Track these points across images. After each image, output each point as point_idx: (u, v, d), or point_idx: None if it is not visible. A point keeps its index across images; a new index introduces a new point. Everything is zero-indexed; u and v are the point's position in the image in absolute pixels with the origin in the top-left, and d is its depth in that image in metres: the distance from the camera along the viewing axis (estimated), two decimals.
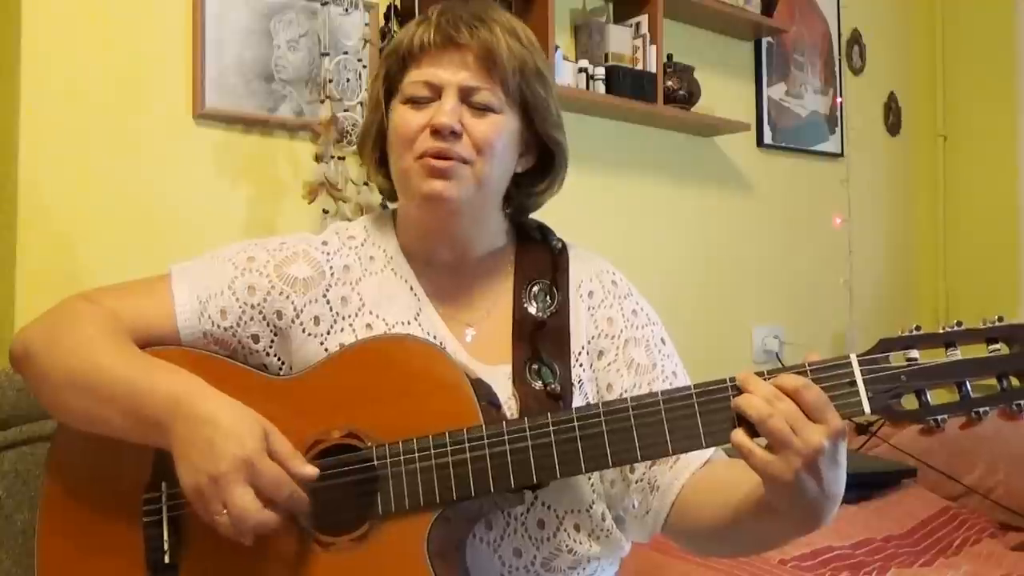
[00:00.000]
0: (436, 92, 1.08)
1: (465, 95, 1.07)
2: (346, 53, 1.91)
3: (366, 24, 1.95)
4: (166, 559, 1.02)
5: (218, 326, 1.10)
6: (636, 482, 1.08)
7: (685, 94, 2.48)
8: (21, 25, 1.61)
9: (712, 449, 1.06)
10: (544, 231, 1.21)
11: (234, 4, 1.82)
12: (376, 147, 1.15)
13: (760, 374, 0.90)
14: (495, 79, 1.08)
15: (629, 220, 2.55)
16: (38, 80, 1.62)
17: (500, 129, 1.09)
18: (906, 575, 1.96)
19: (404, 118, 1.09)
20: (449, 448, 0.97)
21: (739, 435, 0.88)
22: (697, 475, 1.06)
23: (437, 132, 1.06)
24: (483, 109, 1.08)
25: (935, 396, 0.90)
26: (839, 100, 3.12)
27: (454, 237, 1.14)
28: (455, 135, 1.06)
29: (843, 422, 0.88)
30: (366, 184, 1.89)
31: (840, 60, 3.13)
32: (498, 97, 1.08)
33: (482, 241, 1.16)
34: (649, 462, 1.06)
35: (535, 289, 1.14)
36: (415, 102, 1.08)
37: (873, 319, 3.20)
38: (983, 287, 3.36)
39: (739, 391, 0.91)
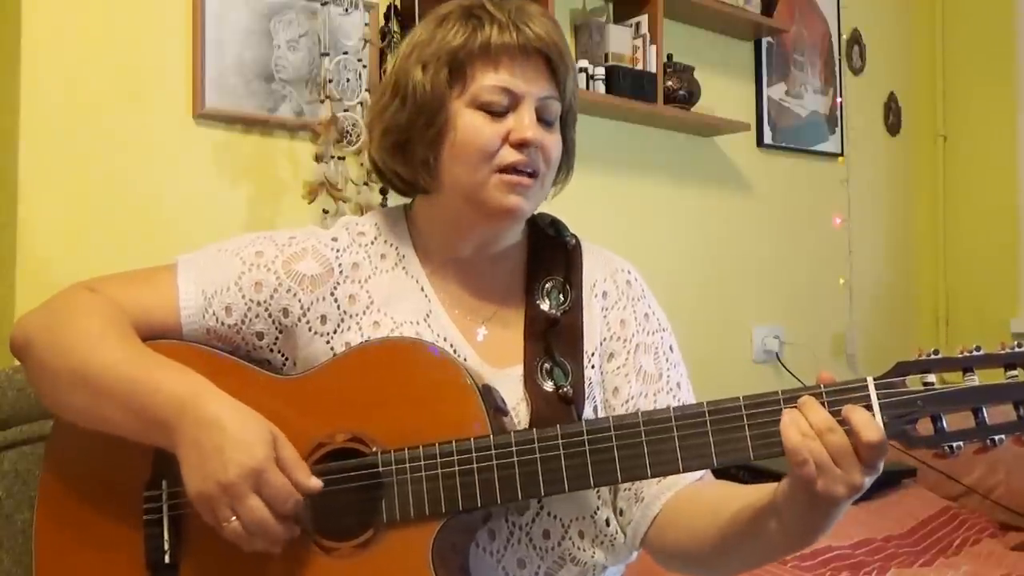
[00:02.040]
0: (514, 101, 1.05)
1: (539, 106, 1.06)
2: (346, 53, 1.91)
3: (366, 24, 1.95)
4: (166, 559, 1.01)
5: (222, 323, 1.08)
6: (624, 490, 1.07)
7: (685, 94, 2.48)
8: (21, 25, 1.61)
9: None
10: (557, 226, 1.19)
11: (234, 4, 1.82)
12: (430, 148, 1.06)
13: (818, 395, 0.88)
14: (560, 89, 1.08)
15: (629, 220, 2.55)
16: (38, 80, 1.62)
17: (560, 142, 1.10)
18: (906, 575, 1.96)
19: (477, 125, 1.04)
20: (456, 458, 0.95)
21: (786, 420, 0.87)
22: (683, 493, 1.04)
23: (524, 146, 1.04)
24: (549, 123, 1.07)
25: (950, 421, 0.88)
26: (839, 100, 3.12)
27: (487, 237, 1.11)
28: (535, 149, 1.05)
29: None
30: (366, 184, 1.89)
31: (840, 60, 3.13)
32: (558, 108, 1.09)
33: (506, 239, 1.14)
34: None
35: (548, 286, 1.12)
36: (491, 111, 1.04)
37: (873, 319, 3.20)
38: (983, 287, 3.36)
39: (752, 411, 0.90)
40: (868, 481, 0.86)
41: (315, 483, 0.95)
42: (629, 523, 1.06)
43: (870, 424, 0.85)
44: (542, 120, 1.06)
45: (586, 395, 1.07)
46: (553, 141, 1.07)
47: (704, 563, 1.04)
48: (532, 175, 1.05)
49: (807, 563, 1.87)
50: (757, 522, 0.93)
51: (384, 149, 1.10)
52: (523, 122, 1.04)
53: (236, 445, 0.92)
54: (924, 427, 0.88)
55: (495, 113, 1.04)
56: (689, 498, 1.04)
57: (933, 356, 0.89)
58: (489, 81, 1.04)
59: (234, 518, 0.91)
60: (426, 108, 1.05)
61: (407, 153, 1.08)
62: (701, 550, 1.01)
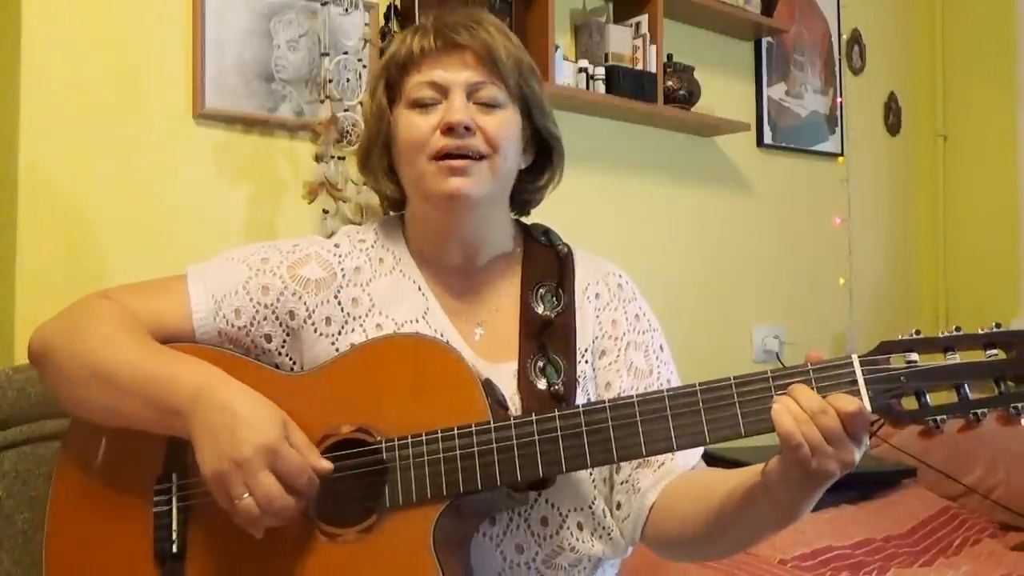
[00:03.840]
0: (442, 93, 1.09)
1: (471, 92, 1.09)
2: (346, 53, 1.91)
3: (366, 24, 1.95)
4: (174, 548, 1.04)
5: (232, 325, 1.12)
6: (621, 483, 1.09)
7: (685, 94, 2.48)
8: (21, 25, 1.61)
9: (698, 455, 1.10)
10: (550, 235, 1.23)
11: (234, 4, 1.82)
12: (384, 156, 1.16)
13: (806, 372, 0.92)
14: (497, 76, 1.10)
15: (629, 220, 2.55)
16: (38, 80, 1.62)
17: (509, 123, 1.11)
18: (906, 575, 1.97)
19: (411, 122, 1.10)
20: (457, 441, 0.99)
21: (779, 408, 0.89)
22: (677, 481, 1.07)
23: (452, 130, 1.07)
24: (490, 105, 1.10)
25: (934, 399, 0.92)
26: (839, 100, 3.12)
27: (465, 237, 1.15)
28: (469, 131, 1.07)
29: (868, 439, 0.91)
30: (366, 184, 1.89)
31: (840, 60, 3.13)
32: (502, 92, 1.11)
33: (491, 242, 1.17)
34: (636, 463, 1.08)
35: (542, 291, 1.16)
36: (421, 105, 1.10)
37: (873, 319, 3.20)
38: (983, 287, 3.36)
39: (743, 390, 0.93)
40: (859, 456, 0.89)
41: (326, 464, 0.99)
42: (627, 516, 1.08)
43: (848, 398, 0.89)
44: (481, 103, 1.10)
45: (579, 388, 1.11)
46: (496, 122, 1.10)
47: (699, 546, 1.07)
48: (468, 157, 1.08)
49: (807, 563, 1.87)
50: (749, 501, 0.96)
51: (359, 167, 1.21)
52: (452, 106, 1.08)
53: (248, 426, 0.96)
54: (909, 404, 0.91)
55: (427, 106, 1.10)
56: (683, 484, 1.07)
57: (915, 336, 0.93)
58: (415, 80, 1.11)
59: (247, 495, 0.94)
60: (375, 122, 1.16)
61: (370, 166, 1.18)
62: (696, 533, 1.03)
